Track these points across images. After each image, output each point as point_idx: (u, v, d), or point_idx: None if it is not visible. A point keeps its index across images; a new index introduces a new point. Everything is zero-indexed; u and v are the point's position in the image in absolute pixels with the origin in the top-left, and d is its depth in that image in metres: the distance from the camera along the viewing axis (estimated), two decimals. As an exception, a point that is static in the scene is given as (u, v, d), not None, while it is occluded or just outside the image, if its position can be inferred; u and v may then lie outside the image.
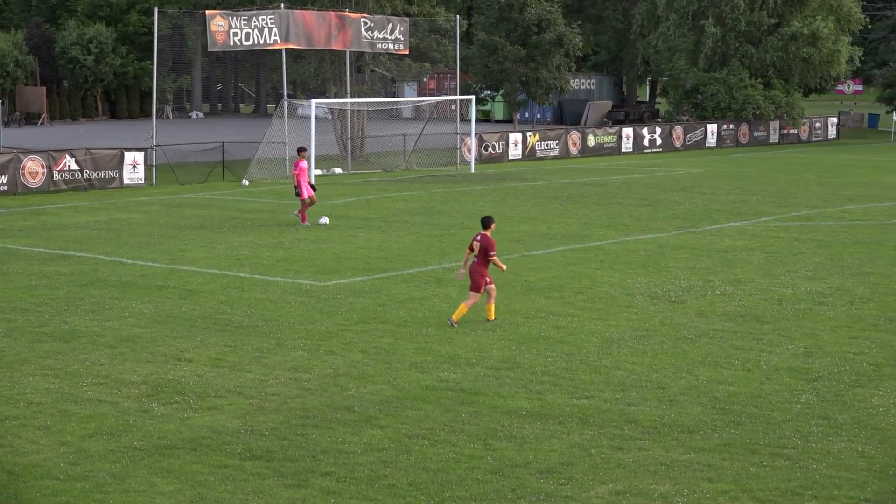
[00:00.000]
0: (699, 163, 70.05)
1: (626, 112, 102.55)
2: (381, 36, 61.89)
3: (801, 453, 16.71)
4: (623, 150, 76.31)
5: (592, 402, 19.15)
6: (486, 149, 67.67)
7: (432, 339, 23.44)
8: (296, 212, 40.70)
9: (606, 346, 22.95)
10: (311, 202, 40.58)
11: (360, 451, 16.62)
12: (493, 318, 24.94)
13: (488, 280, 24.69)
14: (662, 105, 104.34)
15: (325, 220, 39.88)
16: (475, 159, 64.10)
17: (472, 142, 64.53)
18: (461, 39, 72.19)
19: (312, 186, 40.94)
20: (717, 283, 29.75)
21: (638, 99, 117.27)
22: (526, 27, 79.56)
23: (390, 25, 62.26)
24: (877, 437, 17.44)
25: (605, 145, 75.47)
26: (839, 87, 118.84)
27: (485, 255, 24.49)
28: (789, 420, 18.28)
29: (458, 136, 66.16)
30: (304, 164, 40.67)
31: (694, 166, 67.31)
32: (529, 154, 70.50)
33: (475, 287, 24.62)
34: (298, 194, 40.20)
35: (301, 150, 41.80)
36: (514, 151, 69.87)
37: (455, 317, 24.63)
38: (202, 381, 20.29)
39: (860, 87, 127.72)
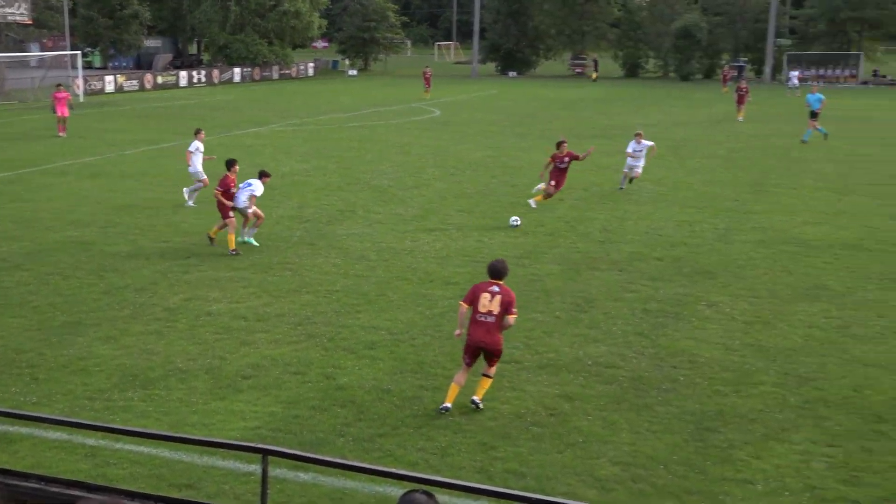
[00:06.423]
0: (230, 93, 68.41)
1: (182, 61, 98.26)
2: (10, 11, 56.96)
3: (298, 266, 17.12)
4: (181, 85, 73.30)
5: (169, 245, 18.76)
6: (90, 86, 63.43)
7: (60, 212, 22.06)
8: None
9: (178, 209, 22.37)
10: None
11: (12, 286, 15.62)
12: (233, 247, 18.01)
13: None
14: (206, 56, 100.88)
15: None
16: (83, 93, 60.08)
17: (80, 81, 60.44)
18: (69, 14, 67.06)
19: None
20: (243, 166, 29.48)
21: (190, 52, 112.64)
22: (113, 4, 74.93)
23: (17, 3, 57.17)
24: (340, 254, 18.03)
25: (168, 83, 72.38)
26: (314, 44, 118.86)
27: (227, 193, 18.40)
28: (288, 248, 18.60)
29: (70, 78, 61.63)
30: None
31: (227, 95, 65.75)
32: (119, 89, 66.58)
33: (226, 214, 18.32)
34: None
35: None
36: (109, 87, 65.72)
37: (231, 245, 17.98)
38: None
39: (326, 44, 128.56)
